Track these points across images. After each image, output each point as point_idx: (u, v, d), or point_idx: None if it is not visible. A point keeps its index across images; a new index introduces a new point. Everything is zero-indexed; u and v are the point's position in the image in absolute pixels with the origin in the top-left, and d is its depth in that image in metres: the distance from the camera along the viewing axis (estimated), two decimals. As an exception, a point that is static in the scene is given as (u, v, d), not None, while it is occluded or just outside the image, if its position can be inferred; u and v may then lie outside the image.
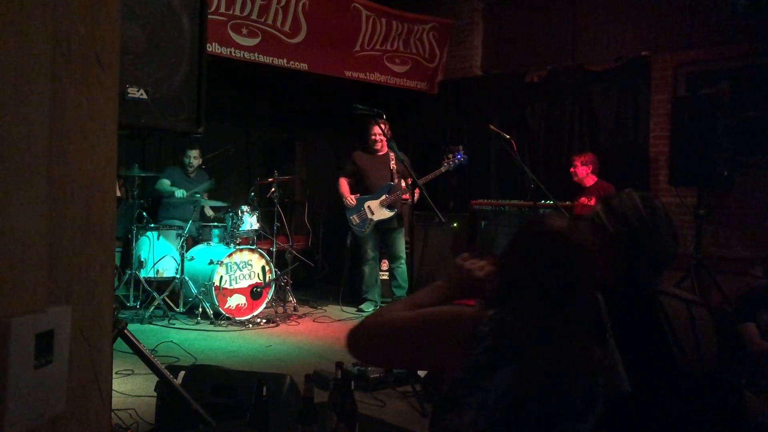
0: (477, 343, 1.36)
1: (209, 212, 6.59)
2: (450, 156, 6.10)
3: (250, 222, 5.94)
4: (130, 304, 5.81)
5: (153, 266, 5.80)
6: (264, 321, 5.69)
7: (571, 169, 6.20)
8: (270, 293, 5.93)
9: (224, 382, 2.88)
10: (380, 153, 6.34)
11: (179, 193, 6.15)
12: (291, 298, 6.27)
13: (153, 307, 5.54)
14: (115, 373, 3.54)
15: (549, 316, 1.40)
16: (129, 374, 3.81)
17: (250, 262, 5.85)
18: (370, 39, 7.48)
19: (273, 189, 6.25)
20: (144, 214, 5.99)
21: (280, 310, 6.07)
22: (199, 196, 6.17)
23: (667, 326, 1.64)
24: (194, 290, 5.66)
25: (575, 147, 6.87)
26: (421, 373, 3.71)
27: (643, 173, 6.49)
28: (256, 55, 6.55)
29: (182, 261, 5.78)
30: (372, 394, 3.74)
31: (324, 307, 6.44)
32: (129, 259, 5.85)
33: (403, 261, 6.27)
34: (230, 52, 6.29)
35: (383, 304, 6.49)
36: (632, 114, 6.61)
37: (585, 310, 1.45)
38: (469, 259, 1.61)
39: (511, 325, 1.38)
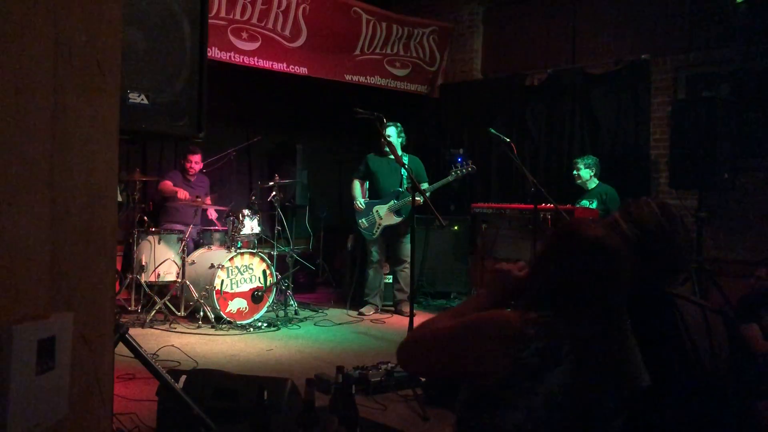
0: (524, 345, 1.40)
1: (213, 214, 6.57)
2: (457, 164, 6.06)
3: (251, 226, 5.94)
4: (131, 308, 5.81)
5: (154, 270, 5.81)
6: (265, 325, 5.68)
7: (573, 172, 6.21)
8: (271, 297, 5.92)
9: (225, 386, 2.88)
10: (391, 156, 6.34)
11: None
12: (292, 302, 6.27)
13: (154, 311, 5.53)
14: (117, 377, 3.54)
15: (595, 321, 1.47)
16: (130, 378, 3.81)
17: (251, 266, 5.85)
18: (371, 43, 7.49)
19: (274, 192, 6.25)
20: (145, 218, 6.00)
21: (281, 313, 6.07)
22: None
23: (683, 328, 1.70)
24: (195, 294, 5.66)
25: (575, 150, 6.88)
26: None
27: (643, 176, 6.50)
28: (256, 59, 6.57)
29: (183, 265, 5.78)
30: (373, 398, 3.73)
31: (325, 311, 6.43)
32: (130, 263, 5.85)
33: (407, 264, 6.26)
34: (230, 56, 6.30)
35: (384, 308, 6.50)
36: (632, 117, 6.62)
37: (624, 314, 1.52)
38: (503, 264, 1.67)
39: (559, 329, 1.43)
